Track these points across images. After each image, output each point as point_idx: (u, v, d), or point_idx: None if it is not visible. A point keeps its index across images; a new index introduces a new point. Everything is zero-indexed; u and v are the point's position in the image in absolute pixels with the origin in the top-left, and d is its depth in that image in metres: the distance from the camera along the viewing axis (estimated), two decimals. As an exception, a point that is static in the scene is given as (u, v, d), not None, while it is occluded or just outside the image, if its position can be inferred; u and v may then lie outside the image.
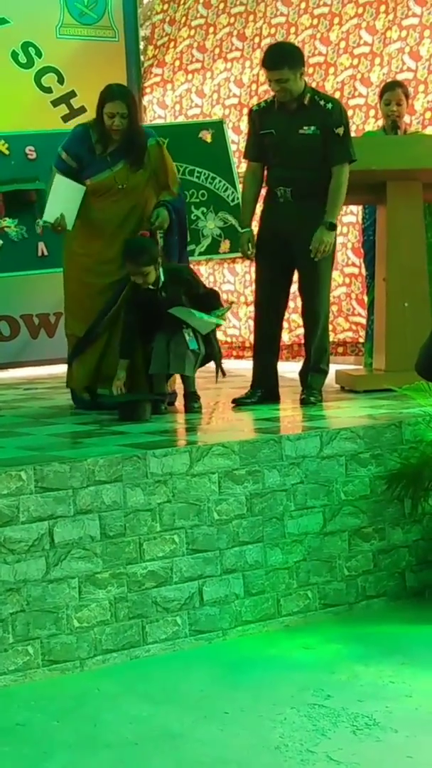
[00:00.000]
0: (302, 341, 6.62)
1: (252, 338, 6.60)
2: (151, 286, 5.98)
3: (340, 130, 6.02)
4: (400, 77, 8.12)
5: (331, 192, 6.02)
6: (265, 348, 6.37)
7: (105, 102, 6.21)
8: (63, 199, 6.23)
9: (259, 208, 6.36)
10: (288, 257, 6.19)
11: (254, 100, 8.71)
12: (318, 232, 5.98)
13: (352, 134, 8.38)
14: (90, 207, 6.28)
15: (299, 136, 6.01)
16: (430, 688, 4.14)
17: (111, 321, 6.27)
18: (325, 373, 6.37)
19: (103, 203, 6.28)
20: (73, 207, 6.23)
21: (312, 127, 6.00)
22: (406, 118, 7.55)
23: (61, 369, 8.15)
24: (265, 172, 6.24)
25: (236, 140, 8.94)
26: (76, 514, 4.45)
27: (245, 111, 7.91)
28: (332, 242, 6.04)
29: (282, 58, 5.98)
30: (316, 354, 6.28)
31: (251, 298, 7.00)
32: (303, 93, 6.01)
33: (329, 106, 6.04)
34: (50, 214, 6.25)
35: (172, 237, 6.36)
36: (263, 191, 6.32)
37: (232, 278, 9.69)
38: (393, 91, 7.25)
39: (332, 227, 6.02)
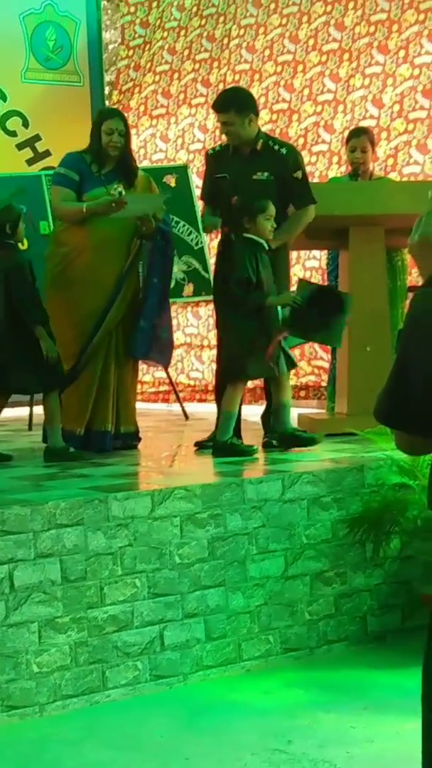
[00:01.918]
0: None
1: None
2: None
3: (299, 174, 6.08)
4: (363, 124, 8.20)
5: (289, 223, 6.07)
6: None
7: (104, 120, 6.29)
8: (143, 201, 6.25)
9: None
10: None
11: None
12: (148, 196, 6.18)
13: (316, 180, 8.53)
14: (67, 234, 6.29)
15: (252, 182, 6.05)
16: (391, 733, 4.12)
17: (94, 351, 6.23)
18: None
19: (83, 226, 6.25)
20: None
21: (266, 173, 6.05)
22: (373, 165, 7.62)
23: (23, 411, 8.14)
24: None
25: (200, 185, 8.99)
26: (36, 557, 4.42)
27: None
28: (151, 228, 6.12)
29: (230, 102, 6.05)
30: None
31: (215, 341, 7.02)
32: (256, 138, 6.07)
33: (283, 151, 6.10)
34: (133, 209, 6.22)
35: (151, 278, 6.39)
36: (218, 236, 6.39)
37: (195, 321, 9.72)
38: (358, 138, 7.32)
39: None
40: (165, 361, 7.21)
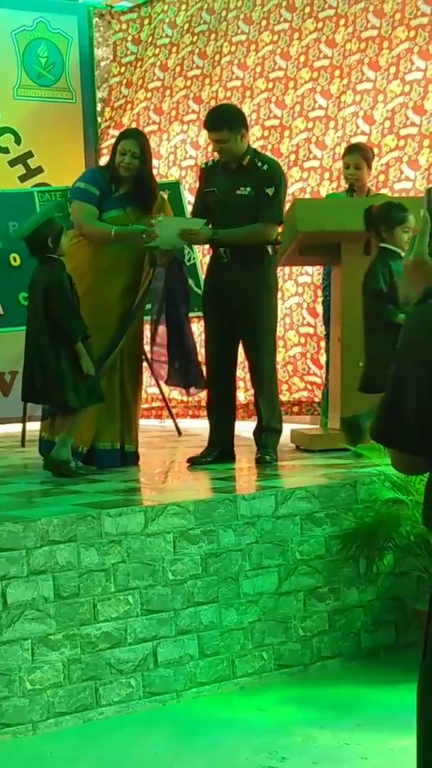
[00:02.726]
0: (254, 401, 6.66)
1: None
2: None
3: (270, 191, 6.12)
4: (354, 140, 8.22)
5: (243, 228, 6.09)
6: (217, 406, 6.42)
7: (120, 140, 6.31)
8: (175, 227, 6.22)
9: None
10: (233, 318, 6.29)
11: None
12: (199, 223, 6.10)
13: (307, 195, 8.54)
14: (78, 252, 6.27)
15: (236, 197, 6.11)
16: (385, 750, 4.11)
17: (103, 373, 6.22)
18: (279, 432, 6.40)
19: (93, 246, 6.24)
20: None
21: (248, 188, 6.11)
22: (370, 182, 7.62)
23: (16, 428, 8.13)
24: None
25: (192, 201, 9.00)
26: (29, 574, 4.41)
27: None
28: (201, 240, 6.19)
29: (222, 120, 6.09)
30: (266, 413, 6.33)
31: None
32: (245, 154, 6.11)
33: (265, 167, 6.15)
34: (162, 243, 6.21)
35: (177, 309, 6.48)
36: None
37: (188, 338, 9.71)
38: (351, 155, 7.33)
39: (212, 237, 6.09)
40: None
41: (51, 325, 5.80)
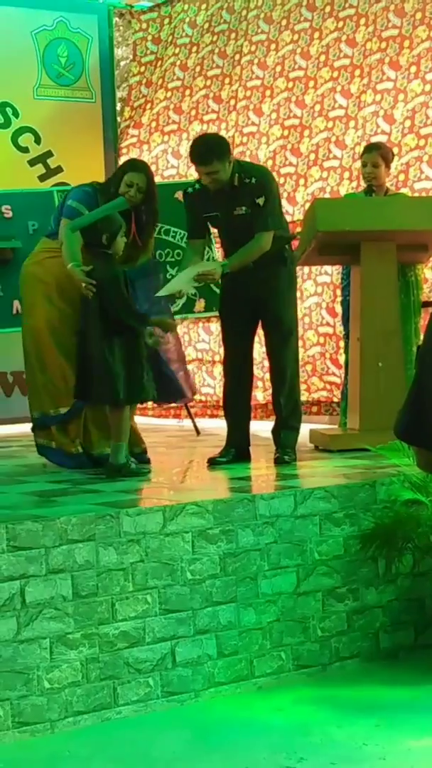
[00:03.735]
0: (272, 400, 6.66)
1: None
2: None
3: (261, 200, 6.11)
4: (374, 140, 8.21)
5: (243, 249, 6.13)
6: (233, 406, 6.44)
7: (127, 171, 6.23)
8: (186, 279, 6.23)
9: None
10: (251, 317, 6.33)
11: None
12: (213, 264, 6.09)
13: (327, 195, 8.53)
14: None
15: (236, 217, 6.14)
16: (403, 750, 4.10)
17: None
18: (297, 430, 6.41)
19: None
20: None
21: (244, 207, 6.12)
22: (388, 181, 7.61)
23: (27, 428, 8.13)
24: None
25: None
26: (48, 573, 4.41)
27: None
28: (217, 279, 6.13)
29: (210, 153, 6.03)
30: (286, 411, 6.35)
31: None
32: (232, 175, 6.09)
33: (253, 181, 6.13)
34: (168, 289, 6.26)
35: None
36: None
37: (207, 337, 9.72)
38: (369, 154, 7.32)
39: (224, 268, 6.09)
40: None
41: (104, 320, 5.79)
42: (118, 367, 5.73)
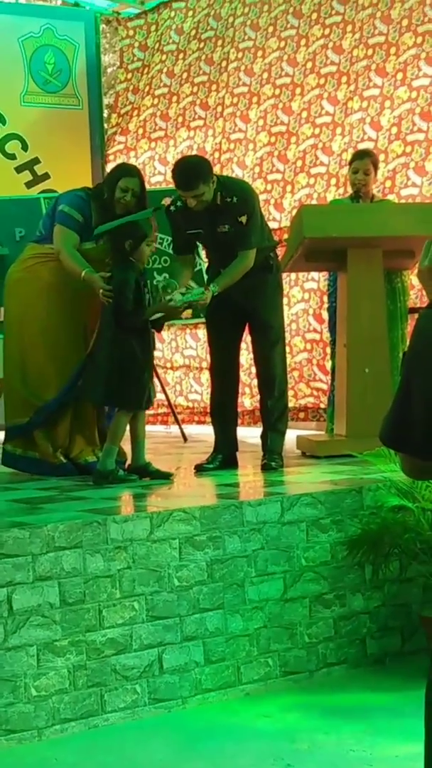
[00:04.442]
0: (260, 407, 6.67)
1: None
2: None
3: (243, 219, 6.12)
4: (360, 146, 8.23)
5: (228, 269, 6.15)
6: (220, 413, 6.48)
7: (121, 177, 6.22)
8: None
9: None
10: (238, 324, 6.38)
11: (216, 168, 8.78)
12: (203, 293, 6.07)
13: (314, 202, 8.55)
14: (51, 272, 6.30)
15: (219, 234, 6.15)
16: (390, 757, 4.10)
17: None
18: (283, 434, 6.42)
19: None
20: None
21: (227, 225, 6.13)
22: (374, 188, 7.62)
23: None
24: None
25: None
26: (35, 580, 4.41)
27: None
28: (207, 303, 6.08)
29: (195, 177, 6.00)
30: (274, 416, 6.37)
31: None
32: (214, 194, 6.08)
33: (235, 200, 6.12)
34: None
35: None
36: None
37: (194, 344, 9.73)
38: (362, 161, 7.32)
39: (213, 291, 6.07)
40: None
41: (116, 323, 5.82)
42: (111, 370, 5.75)
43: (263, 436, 6.42)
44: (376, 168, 7.38)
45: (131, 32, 10.64)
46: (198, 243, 6.51)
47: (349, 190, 7.54)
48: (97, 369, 5.88)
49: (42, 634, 4.40)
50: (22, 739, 4.33)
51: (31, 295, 6.32)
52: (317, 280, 8.64)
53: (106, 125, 10.44)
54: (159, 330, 6.27)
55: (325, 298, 8.14)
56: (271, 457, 6.26)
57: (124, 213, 6.16)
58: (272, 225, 8.47)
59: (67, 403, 6.26)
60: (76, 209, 6.23)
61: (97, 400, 6.02)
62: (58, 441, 6.28)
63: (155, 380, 6.96)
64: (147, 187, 8.79)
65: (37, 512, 5.08)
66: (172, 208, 6.29)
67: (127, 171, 6.34)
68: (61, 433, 6.29)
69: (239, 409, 6.95)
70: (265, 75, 9.36)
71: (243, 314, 6.31)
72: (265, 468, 6.19)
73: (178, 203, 6.22)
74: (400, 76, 8.33)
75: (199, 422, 9.38)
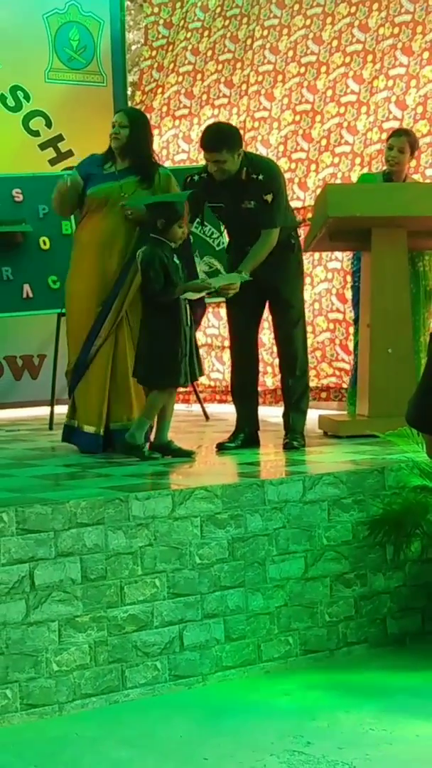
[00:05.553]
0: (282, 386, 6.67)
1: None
2: None
3: (269, 197, 6.09)
4: (386, 126, 8.19)
5: (253, 250, 6.12)
6: (241, 392, 6.48)
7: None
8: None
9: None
10: (258, 303, 6.36)
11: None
12: (232, 275, 6.07)
13: (338, 181, 8.52)
14: (81, 231, 6.43)
15: (244, 210, 6.12)
16: (410, 735, 4.11)
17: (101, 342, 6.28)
18: (304, 413, 6.42)
19: (92, 222, 6.33)
20: None
21: (252, 202, 6.10)
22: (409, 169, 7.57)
23: (44, 411, 8.16)
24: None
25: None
26: (57, 556, 4.42)
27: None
28: (237, 289, 6.04)
29: (220, 141, 6.02)
30: (295, 395, 6.36)
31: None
32: (240, 168, 6.07)
33: (261, 177, 6.09)
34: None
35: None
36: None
37: (216, 322, 9.72)
38: (398, 138, 7.27)
39: (242, 277, 6.05)
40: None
41: (144, 301, 5.90)
42: (150, 347, 5.80)
43: (285, 415, 6.42)
44: (413, 148, 7.32)
45: (156, 9, 10.61)
46: (220, 220, 6.50)
47: (374, 169, 7.50)
48: (138, 349, 5.95)
49: (63, 610, 4.42)
50: (43, 714, 4.35)
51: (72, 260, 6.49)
52: (341, 259, 8.61)
53: (130, 103, 10.41)
54: (198, 306, 6.20)
55: (349, 278, 8.12)
56: (293, 436, 6.26)
57: (119, 147, 6.33)
58: (296, 204, 8.46)
59: (92, 361, 6.27)
60: (79, 168, 6.54)
61: (138, 380, 6.05)
62: (93, 405, 6.26)
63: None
64: (170, 165, 8.82)
65: (60, 488, 5.11)
66: (195, 177, 6.30)
67: (117, 110, 6.66)
68: (96, 397, 6.28)
69: (261, 388, 6.94)
70: (291, 53, 9.32)
71: (264, 293, 6.29)
72: (287, 447, 6.19)
73: (203, 174, 6.23)
74: (426, 55, 8.28)
75: (221, 401, 9.38)
